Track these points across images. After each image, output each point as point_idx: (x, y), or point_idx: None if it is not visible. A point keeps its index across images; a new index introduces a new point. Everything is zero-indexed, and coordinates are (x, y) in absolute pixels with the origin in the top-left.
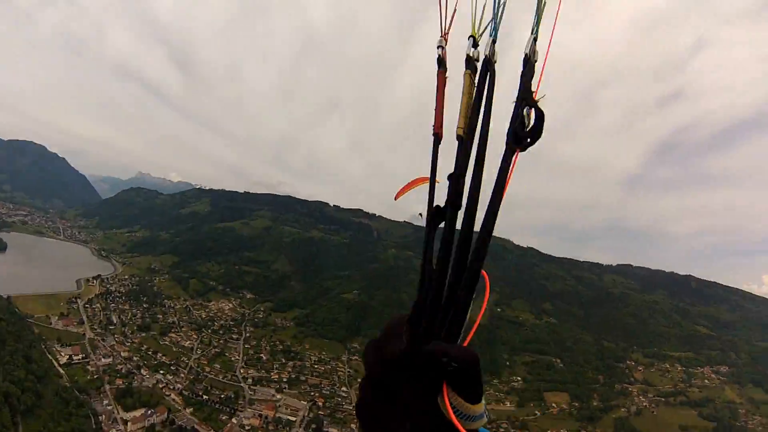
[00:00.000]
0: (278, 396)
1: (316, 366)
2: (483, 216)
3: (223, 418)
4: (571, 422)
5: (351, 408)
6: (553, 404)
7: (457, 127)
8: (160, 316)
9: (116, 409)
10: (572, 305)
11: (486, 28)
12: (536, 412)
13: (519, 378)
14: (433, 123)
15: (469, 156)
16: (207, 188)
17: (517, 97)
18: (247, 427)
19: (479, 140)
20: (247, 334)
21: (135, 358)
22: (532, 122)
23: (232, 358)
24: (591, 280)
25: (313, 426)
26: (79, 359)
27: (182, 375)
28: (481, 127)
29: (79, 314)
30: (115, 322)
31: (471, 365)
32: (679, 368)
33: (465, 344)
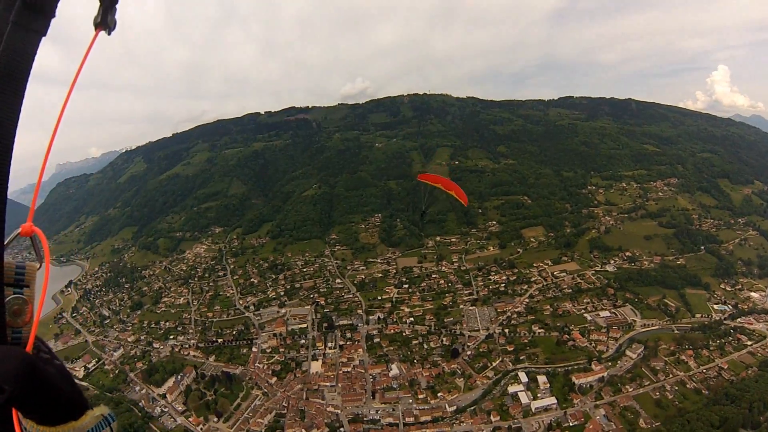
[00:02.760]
0: (282, 311)
1: (304, 269)
2: None
3: (244, 351)
4: (551, 252)
5: (351, 296)
6: (532, 239)
7: None
8: (146, 288)
9: (150, 389)
10: (525, 143)
11: None
12: (518, 249)
13: (494, 222)
14: None
15: None
16: (134, 147)
17: None
18: (268, 350)
19: None
20: (231, 266)
21: (142, 337)
22: None
23: (228, 294)
24: (537, 116)
25: (325, 324)
26: (93, 365)
27: (191, 331)
28: None
29: (72, 326)
30: (107, 315)
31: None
32: (635, 185)
33: (30, 344)
